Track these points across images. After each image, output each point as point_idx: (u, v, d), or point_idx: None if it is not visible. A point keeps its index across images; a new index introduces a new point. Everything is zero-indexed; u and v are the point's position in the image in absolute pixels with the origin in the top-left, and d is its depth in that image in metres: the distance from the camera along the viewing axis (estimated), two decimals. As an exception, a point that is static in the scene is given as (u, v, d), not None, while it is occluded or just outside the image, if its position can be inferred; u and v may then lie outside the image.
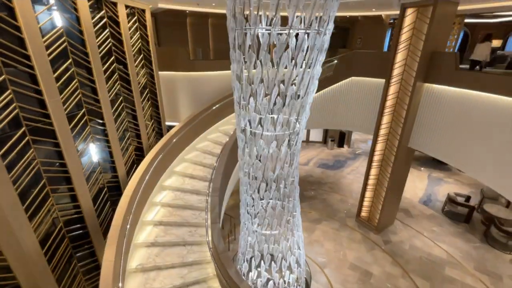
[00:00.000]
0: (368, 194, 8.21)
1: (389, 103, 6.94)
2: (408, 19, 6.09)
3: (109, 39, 4.89)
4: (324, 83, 8.10)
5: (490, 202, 8.97)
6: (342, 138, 14.80)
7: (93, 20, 4.43)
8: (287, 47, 3.67)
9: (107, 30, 4.80)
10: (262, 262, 5.62)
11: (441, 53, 6.00)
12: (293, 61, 3.64)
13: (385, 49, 12.92)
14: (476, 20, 11.80)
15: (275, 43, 3.67)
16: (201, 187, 6.60)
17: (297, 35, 3.57)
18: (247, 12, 3.68)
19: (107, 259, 3.62)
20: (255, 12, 3.58)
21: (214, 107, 7.80)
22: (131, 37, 5.59)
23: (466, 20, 11.28)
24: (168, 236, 5.46)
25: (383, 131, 7.28)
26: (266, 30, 3.65)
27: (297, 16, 3.39)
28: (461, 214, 8.79)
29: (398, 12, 6.24)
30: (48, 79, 3.58)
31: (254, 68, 3.95)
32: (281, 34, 3.59)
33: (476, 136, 5.67)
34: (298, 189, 5.00)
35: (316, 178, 11.46)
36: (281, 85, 3.93)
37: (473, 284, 6.45)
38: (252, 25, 3.64)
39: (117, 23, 5.11)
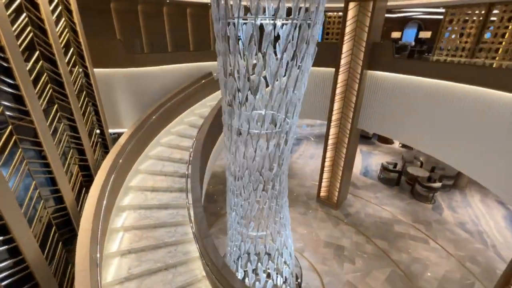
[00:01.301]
0: (326, 175, 8.91)
1: (339, 90, 7.55)
2: (351, 12, 6.65)
3: (29, 27, 3.57)
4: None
5: (409, 165, 11.07)
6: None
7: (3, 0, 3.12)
8: (278, 38, 3.45)
9: (24, 14, 3.48)
10: (248, 263, 5.46)
11: (381, 43, 6.83)
12: (280, 53, 3.45)
13: (319, 39, 13.97)
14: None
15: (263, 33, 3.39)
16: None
17: (282, 25, 3.37)
18: (231, 2, 3.29)
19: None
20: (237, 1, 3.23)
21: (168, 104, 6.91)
22: (56, 25, 4.25)
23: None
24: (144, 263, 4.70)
25: (335, 116, 7.92)
26: (249, 20, 3.33)
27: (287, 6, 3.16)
28: (392, 179, 10.57)
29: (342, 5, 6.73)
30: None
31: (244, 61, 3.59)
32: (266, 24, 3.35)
33: (412, 112, 6.76)
34: (287, 189, 4.94)
35: (271, 167, 11.72)
36: (268, 79, 3.71)
37: (415, 234, 7.90)
38: (235, 15, 3.27)
39: (36, 6, 3.77)
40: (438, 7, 10.01)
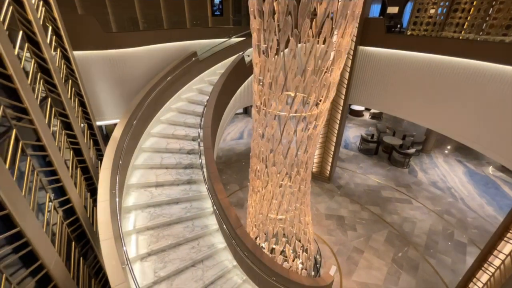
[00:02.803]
0: (318, 151, 9.21)
1: (331, 67, 7.61)
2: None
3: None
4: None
5: (383, 135, 12.02)
6: (261, 106, 15.38)
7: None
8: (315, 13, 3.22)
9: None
10: (266, 242, 5.54)
11: (374, 19, 6.95)
12: (320, 28, 3.25)
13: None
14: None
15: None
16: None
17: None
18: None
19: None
20: None
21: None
22: (31, -2, 3.33)
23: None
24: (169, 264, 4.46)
25: (327, 93, 8.04)
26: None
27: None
28: (371, 149, 11.41)
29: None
30: None
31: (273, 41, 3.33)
32: None
33: (401, 85, 7.20)
34: (310, 175, 4.94)
35: (257, 149, 11.69)
36: (303, 58, 3.52)
37: (400, 196, 8.79)
38: None
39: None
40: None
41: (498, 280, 4.49)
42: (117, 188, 4.47)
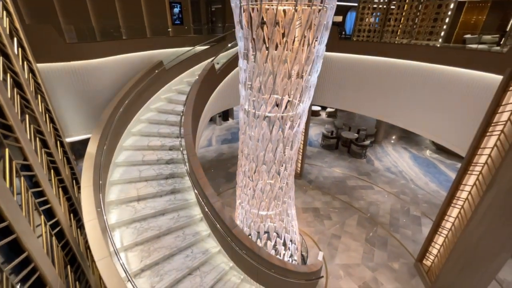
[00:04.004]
0: (288, 150, 9.75)
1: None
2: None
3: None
4: (235, 61, 8.13)
5: (341, 131, 13.23)
6: (225, 112, 15.55)
7: None
8: (294, 24, 3.65)
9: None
10: (258, 240, 5.79)
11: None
12: (302, 38, 3.70)
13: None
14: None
15: (281, 18, 3.56)
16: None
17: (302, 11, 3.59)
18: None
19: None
20: None
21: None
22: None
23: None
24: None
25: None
26: (273, 5, 3.43)
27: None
28: (332, 144, 12.46)
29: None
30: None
31: (260, 48, 3.67)
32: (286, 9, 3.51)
33: (355, 84, 8.15)
34: (293, 171, 5.32)
35: (228, 154, 11.81)
36: (286, 64, 3.92)
37: (362, 184, 9.81)
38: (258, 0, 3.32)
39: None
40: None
41: (451, 240, 5.44)
42: (102, 206, 4.26)
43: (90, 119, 6.26)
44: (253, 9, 3.29)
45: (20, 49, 3.61)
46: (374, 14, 10.11)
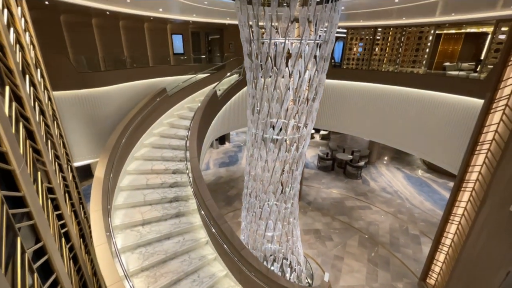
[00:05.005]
0: (286, 172, 9.94)
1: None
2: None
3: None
4: (235, 88, 8.57)
5: (336, 153, 13.61)
6: (222, 136, 15.82)
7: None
8: (300, 56, 4.06)
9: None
10: (264, 262, 5.76)
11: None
12: (305, 67, 4.09)
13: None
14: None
15: (290, 52, 3.96)
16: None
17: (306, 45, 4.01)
18: (261, 23, 3.70)
19: None
20: (269, 24, 3.70)
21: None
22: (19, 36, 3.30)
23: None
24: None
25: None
26: (281, 40, 3.84)
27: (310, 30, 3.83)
28: (328, 166, 12.75)
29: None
30: None
31: (270, 76, 4.03)
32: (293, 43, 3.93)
33: (351, 109, 8.65)
34: (298, 191, 5.49)
35: (226, 177, 11.87)
36: (292, 91, 4.27)
37: (360, 204, 9.97)
38: (267, 36, 3.72)
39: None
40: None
41: (452, 257, 5.57)
42: (111, 229, 4.28)
43: (96, 144, 6.37)
44: (263, 43, 3.68)
45: (42, 79, 3.83)
46: (361, 44, 11.00)
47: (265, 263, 5.64)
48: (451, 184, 10.39)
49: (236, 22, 8.34)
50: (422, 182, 11.59)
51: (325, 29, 3.95)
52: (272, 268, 5.61)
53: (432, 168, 12.64)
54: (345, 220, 9.00)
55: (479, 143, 5.06)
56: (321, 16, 3.79)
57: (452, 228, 5.72)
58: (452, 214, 5.69)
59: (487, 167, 4.82)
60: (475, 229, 5.01)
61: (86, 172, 10.14)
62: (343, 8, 6.72)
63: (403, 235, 8.33)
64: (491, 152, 4.76)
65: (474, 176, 5.16)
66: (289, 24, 3.64)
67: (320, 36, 3.92)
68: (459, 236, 5.43)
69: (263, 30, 3.72)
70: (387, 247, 7.81)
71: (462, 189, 5.47)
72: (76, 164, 6.11)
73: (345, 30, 11.24)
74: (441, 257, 5.97)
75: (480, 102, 5.30)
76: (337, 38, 17.28)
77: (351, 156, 12.67)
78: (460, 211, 5.51)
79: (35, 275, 1.67)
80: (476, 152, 5.13)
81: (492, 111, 4.88)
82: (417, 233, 8.43)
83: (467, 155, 5.26)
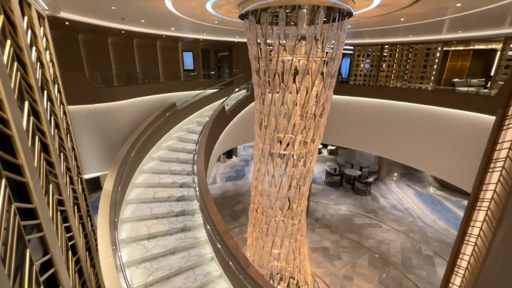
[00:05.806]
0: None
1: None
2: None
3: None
4: (243, 103, 8.71)
5: (344, 168, 13.43)
6: (229, 150, 15.90)
7: None
8: (307, 72, 4.13)
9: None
10: (271, 280, 5.58)
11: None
12: (312, 84, 4.14)
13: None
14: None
15: (297, 68, 4.03)
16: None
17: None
18: (269, 41, 3.81)
19: None
20: (277, 42, 3.79)
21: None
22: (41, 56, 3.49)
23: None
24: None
25: (297, 134, 9.10)
26: (288, 58, 3.92)
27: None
28: (336, 181, 12.55)
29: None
30: None
31: (277, 92, 4.08)
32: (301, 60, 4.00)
33: (360, 124, 8.62)
34: (305, 207, 5.40)
35: (232, 191, 11.80)
36: (299, 106, 4.30)
37: (370, 222, 9.68)
38: (275, 53, 3.81)
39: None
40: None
41: (469, 280, 5.27)
42: (117, 243, 4.27)
43: (106, 157, 6.50)
44: (271, 60, 3.78)
45: (59, 94, 4.01)
46: (368, 60, 11.10)
47: (271, 281, 5.47)
48: (465, 202, 10.03)
49: (245, 40, 8.63)
50: (434, 200, 11.22)
51: (332, 46, 4.03)
52: (278, 287, 5.42)
53: (444, 185, 12.27)
54: (354, 238, 8.72)
55: (493, 161, 4.92)
56: (328, 34, 3.89)
57: (468, 250, 5.46)
58: (468, 235, 5.44)
59: (502, 186, 4.65)
60: (492, 250, 4.77)
61: (95, 184, 10.28)
62: (349, 26, 6.87)
63: (416, 256, 7.98)
64: (506, 170, 4.60)
65: (489, 194, 4.97)
66: (297, 42, 3.74)
67: (327, 53, 4.00)
68: (476, 258, 5.16)
69: (271, 47, 3.82)
70: (399, 268, 7.48)
71: (477, 208, 5.26)
72: (86, 176, 6.23)
73: (352, 47, 11.41)
74: (457, 280, 5.66)
75: (491, 118, 5.21)
76: (344, 55, 17.56)
77: (359, 172, 12.46)
78: (476, 231, 5.27)
79: (41, 288, 1.68)
80: (490, 170, 4.97)
81: (504, 128, 4.77)
82: (431, 253, 8.06)
83: (481, 173, 5.10)
